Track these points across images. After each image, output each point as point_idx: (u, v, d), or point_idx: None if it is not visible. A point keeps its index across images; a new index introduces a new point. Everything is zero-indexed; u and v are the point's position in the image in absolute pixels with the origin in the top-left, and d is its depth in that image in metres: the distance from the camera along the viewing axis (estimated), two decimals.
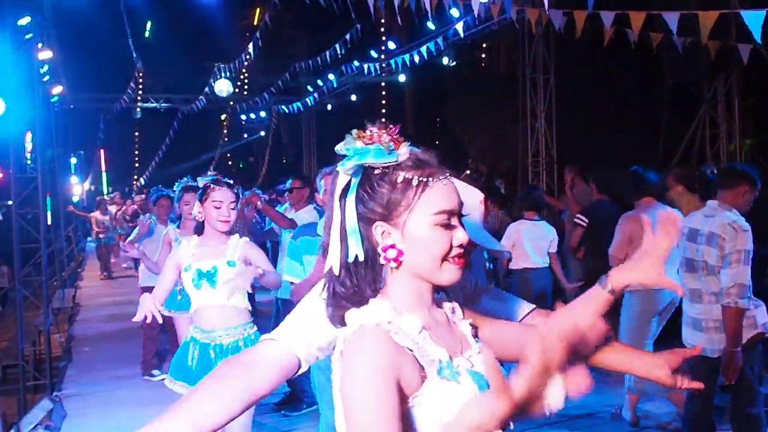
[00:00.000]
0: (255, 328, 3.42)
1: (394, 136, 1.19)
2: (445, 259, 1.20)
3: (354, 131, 1.20)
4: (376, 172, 1.19)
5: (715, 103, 11.04)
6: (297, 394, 5.33)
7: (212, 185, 3.35)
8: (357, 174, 1.19)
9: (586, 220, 5.97)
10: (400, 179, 1.19)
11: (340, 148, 1.20)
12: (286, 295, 5.33)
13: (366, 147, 1.17)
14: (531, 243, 5.86)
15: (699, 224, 3.67)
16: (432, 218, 1.19)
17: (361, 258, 1.18)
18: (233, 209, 3.37)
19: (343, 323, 1.21)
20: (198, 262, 3.32)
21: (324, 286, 1.26)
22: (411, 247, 1.19)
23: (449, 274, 1.22)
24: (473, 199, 1.74)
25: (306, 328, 1.44)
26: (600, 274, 1.49)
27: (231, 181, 3.47)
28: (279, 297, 5.41)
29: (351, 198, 1.19)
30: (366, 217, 1.19)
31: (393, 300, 1.20)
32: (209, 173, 3.48)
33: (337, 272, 1.19)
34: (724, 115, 10.88)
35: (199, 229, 3.44)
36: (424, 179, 1.19)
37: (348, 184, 1.20)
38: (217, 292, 3.29)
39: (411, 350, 1.14)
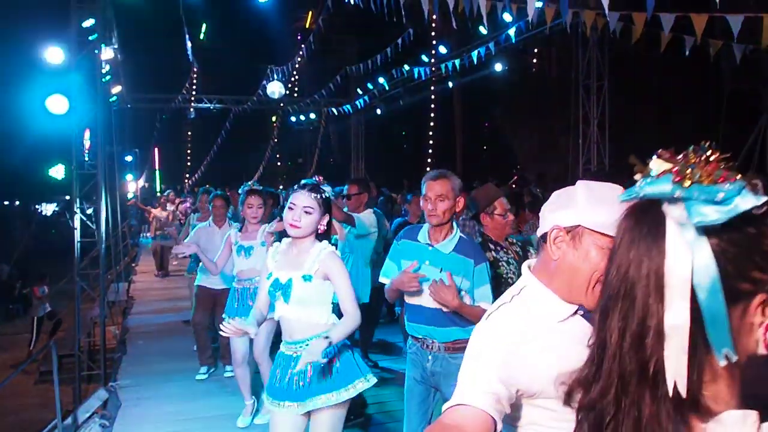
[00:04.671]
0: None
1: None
2: None
3: (662, 157, 0.85)
4: (749, 222, 0.79)
5: None
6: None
7: (297, 187, 3.14)
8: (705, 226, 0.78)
9: None
10: None
11: (666, 190, 0.81)
12: (365, 299, 5.41)
13: (737, 185, 0.78)
14: None
15: None
16: None
17: (734, 359, 0.77)
18: (307, 213, 3.05)
19: None
20: (278, 271, 3.11)
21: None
22: None
23: None
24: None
25: (487, 381, 1.36)
26: None
27: (325, 188, 3.17)
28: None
29: (708, 264, 0.77)
30: (740, 291, 0.78)
31: (729, 406, 0.83)
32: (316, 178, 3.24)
33: (684, 389, 0.77)
34: None
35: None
36: None
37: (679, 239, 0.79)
38: (291, 307, 3.06)
39: None
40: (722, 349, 0.76)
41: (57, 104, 8.28)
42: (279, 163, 34.97)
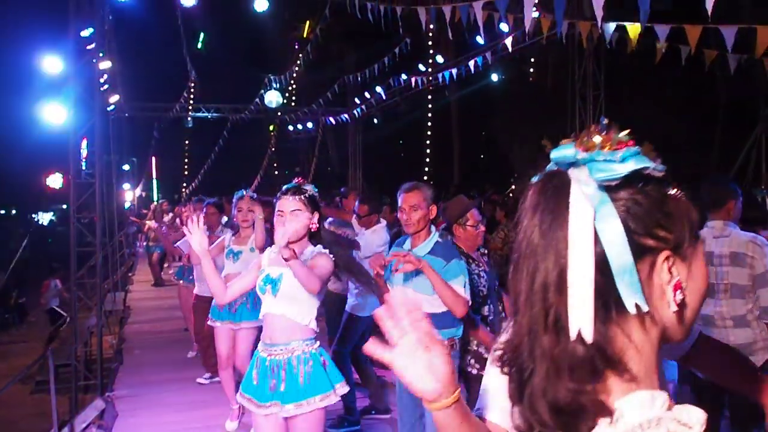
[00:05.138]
0: (317, 344, 3.19)
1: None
2: None
3: (574, 139, 0.87)
4: (649, 185, 0.84)
5: None
6: (343, 412, 5.36)
7: (279, 195, 3.21)
8: (611, 188, 0.82)
9: None
10: (673, 193, 0.86)
11: (569, 153, 0.85)
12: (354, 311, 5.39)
13: (631, 150, 0.83)
14: None
15: (710, 246, 3.41)
16: (701, 246, 0.88)
17: (645, 308, 0.80)
18: (297, 216, 3.14)
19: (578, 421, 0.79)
20: (270, 267, 3.20)
21: (519, 360, 0.85)
22: (689, 288, 0.86)
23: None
24: None
25: (505, 398, 1.32)
26: None
27: (307, 188, 3.23)
28: (347, 311, 5.41)
29: (614, 220, 0.80)
30: (645, 247, 0.82)
31: (640, 381, 0.82)
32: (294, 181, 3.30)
33: (589, 336, 0.78)
34: None
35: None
36: (683, 194, 0.88)
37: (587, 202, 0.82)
38: (278, 301, 3.13)
39: None
40: (632, 299, 0.79)
41: (54, 113, 8.28)
42: (276, 173, 34.94)
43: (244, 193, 5.23)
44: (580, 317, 0.78)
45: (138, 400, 6.09)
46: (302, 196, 3.17)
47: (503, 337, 0.91)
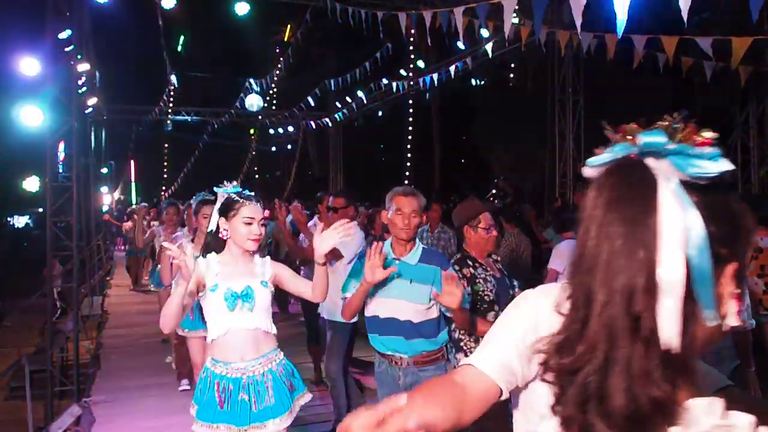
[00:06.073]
0: (282, 354, 3.11)
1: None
2: None
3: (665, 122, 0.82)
4: (729, 192, 0.80)
5: (747, 128, 10.96)
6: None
7: (242, 200, 3.03)
8: (694, 187, 0.77)
9: None
10: (745, 206, 0.82)
11: (660, 141, 0.78)
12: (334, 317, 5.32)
13: (718, 150, 0.79)
14: None
15: None
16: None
17: (717, 321, 0.76)
18: (263, 225, 3.07)
19: None
20: (227, 281, 2.98)
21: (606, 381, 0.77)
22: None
23: None
24: None
25: (504, 350, 1.19)
26: None
27: (253, 194, 3.18)
28: (327, 318, 5.26)
29: (697, 221, 0.74)
30: (720, 255, 0.77)
31: (698, 386, 0.80)
32: (230, 184, 3.11)
33: (677, 346, 0.74)
34: (756, 141, 10.78)
35: (218, 246, 3.09)
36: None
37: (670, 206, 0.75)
38: (254, 315, 2.99)
39: None
40: (708, 309, 0.74)
41: (31, 116, 8.18)
42: (257, 176, 34.81)
43: (204, 195, 5.07)
44: (670, 325, 0.73)
45: (115, 406, 6.01)
46: (262, 204, 3.14)
47: (547, 338, 0.84)
